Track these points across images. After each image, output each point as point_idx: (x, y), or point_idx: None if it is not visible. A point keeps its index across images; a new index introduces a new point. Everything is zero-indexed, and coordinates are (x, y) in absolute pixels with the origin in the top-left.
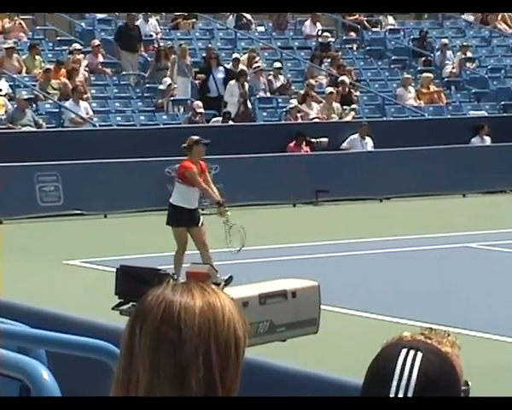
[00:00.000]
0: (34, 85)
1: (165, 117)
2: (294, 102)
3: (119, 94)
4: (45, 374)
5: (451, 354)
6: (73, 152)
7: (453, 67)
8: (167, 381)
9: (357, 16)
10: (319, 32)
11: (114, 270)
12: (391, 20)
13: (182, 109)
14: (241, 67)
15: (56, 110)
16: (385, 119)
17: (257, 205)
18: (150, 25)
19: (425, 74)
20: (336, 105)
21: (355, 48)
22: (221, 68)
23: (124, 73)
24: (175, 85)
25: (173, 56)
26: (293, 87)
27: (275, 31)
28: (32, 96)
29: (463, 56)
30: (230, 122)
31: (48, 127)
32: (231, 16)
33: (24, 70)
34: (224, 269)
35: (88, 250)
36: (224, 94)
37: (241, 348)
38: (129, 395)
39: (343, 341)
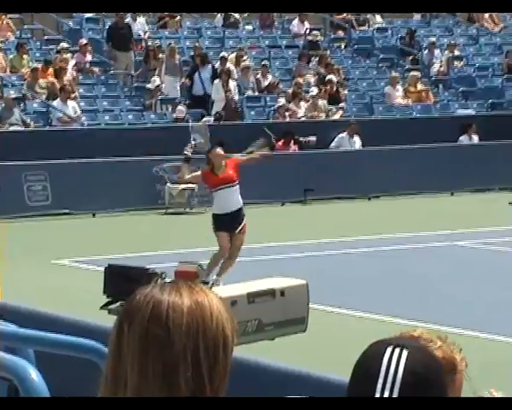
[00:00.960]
0: (22, 85)
1: (153, 116)
2: (282, 100)
3: (107, 93)
4: (34, 374)
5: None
6: (61, 151)
7: (441, 66)
8: (156, 380)
9: (345, 15)
10: (307, 31)
11: (103, 269)
12: (379, 18)
13: (170, 109)
14: (229, 65)
15: (44, 109)
16: (373, 117)
17: (245, 204)
18: (138, 24)
19: (412, 73)
20: (324, 103)
21: (343, 46)
22: (209, 67)
23: (112, 72)
24: (163, 85)
25: (161, 56)
26: (281, 86)
27: (262, 29)
28: (20, 96)
29: (451, 55)
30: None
31: (36, 126)
32: (219, 15)
33: (8, 69)
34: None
35: (76, 250)
36: (209, 93)
37: (229, 347)
38: (117, 394)
39: (332, 339)
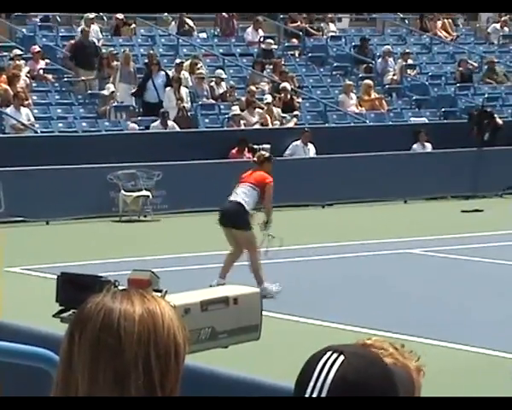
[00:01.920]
0: None
1: (107, 123)
2: (237, 109)
3: (60, 100)
4: None
5: (397, 364)
6: (15, 158)
7: (394, 74)
8: (106, 389)
9: (299, 23)
10: (261, 39)
11: (55, 277)
12: (332, 27)
13: (124, 116)
14: (183, 73)
15: None
16: (327, 125)
17: (199, 211)
18: (92, 31)
19: (366, 81)
20: (278, 111)
21: (297, 54)
22: (162, 74)
23: (65, 79)
24: (117, 92)
25: (116, 63)
26: (235, 94)
27: (217, 37)
28: None
29: (404, 63)
30: (169, 123)
31: None
32: (173, 22)
33: None
34: (167, 275)
35: (29, 257)
36: (162, 100)
37: (180, 355)
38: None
39: (285, 347)
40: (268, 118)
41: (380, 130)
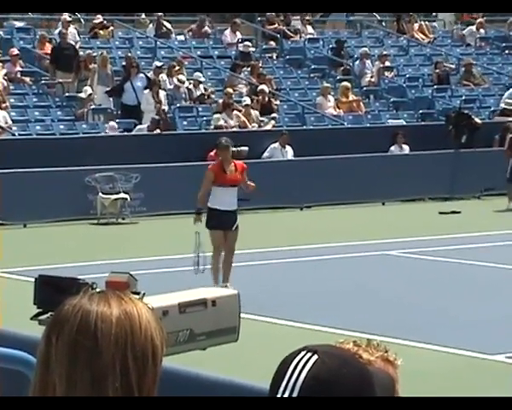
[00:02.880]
0: None
1: (85, 126)
2: (219, 118)
3: (38, 103)
4: None
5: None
6: None
7: (372, 76)
8: (84, 390)
9: (276, 25)
10: (239, 41)
11: (33, 279)
12: (310, 29)
13: (102, 118)
14: (161, 75)
15: None
16: (305, 127)
17: (177, 214)
18: (70, 33)
19: (343, 83)
20: (255, 114)
21: (275, 57)
22: (141, 76)
23: (43, 81)
24: (95, 95)
25: (93, 65)
26: (213, 96)
27: (194, 39)
28: None
29: (382, 65)
30: (158, 130)
31: None
32: (151, 25)
33: None
34: (145, 278)
35: (7, 260)
36: (140, 102)
37: (158, 357)
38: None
39: (263, 349)
40: (246, 120)
41: (357, 132)
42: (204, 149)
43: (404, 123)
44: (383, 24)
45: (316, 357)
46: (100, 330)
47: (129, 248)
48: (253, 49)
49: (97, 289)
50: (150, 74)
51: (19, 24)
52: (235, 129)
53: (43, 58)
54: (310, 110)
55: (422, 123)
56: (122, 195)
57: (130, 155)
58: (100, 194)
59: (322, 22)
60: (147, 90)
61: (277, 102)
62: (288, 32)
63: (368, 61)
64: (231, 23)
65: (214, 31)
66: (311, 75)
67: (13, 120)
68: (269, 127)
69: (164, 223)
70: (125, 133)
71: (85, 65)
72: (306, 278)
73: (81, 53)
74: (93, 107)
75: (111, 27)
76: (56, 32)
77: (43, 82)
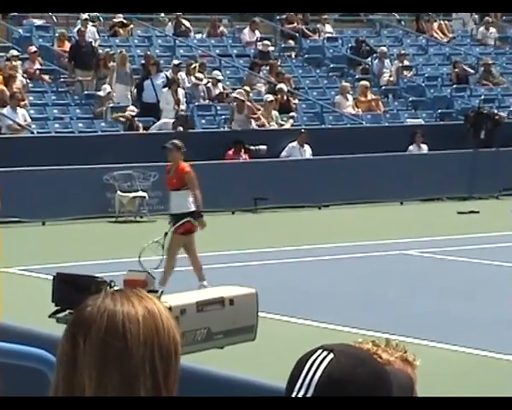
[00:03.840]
0: None
1: (103, 124)
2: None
3: (57, 101)
4: None
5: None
6: (11, 159)
7: (390, 76)
8: (114, 392)
9: (295, 24)
10: (258, 40)
11: (51, 277)
12: (328, 28)
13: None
14: (180, 74)
15: None
16: (323, 126)
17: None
18: (89, 32)
19: (362, 82)
20: (274, 112)
21: (293, 56)
22: (161, 75)
23: (62, 79)
24: (114, 93)
25: (112, 64)
26: (233, 94)
27: (213, 38)
28: None
29: (401, 65)
30: (180, 128)
31: None
32: (170, 23)
33: None
34: (171, 277)
35: (26, 258)
36: (159, 101)
37: (179, 353)
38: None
39: (280, 347)
40: (264, 120)
41: (376, 131)
42: (222, 147)
43: (423, 122)
44: (402, 23)
45: (331, 356)
46: (129, 331)
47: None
48: (272, 48)
49: (115, 288)
50: (169, 73)
51: (38, 22)
52: (253, 127)
53: (62, 56)
54: (328, 109)
55: (441, 122)
56: (140, 193)
57: (149, 153)
58: (118, 192)
59: (342, 21)
60: (166, 89)
61: (296, 101)
62: (307, 31)
63: (386, 61)
64: (250, 22)
65: (233, 29)
66: (330, 74)
67: (32, 118)
68: (287, 126)
69: None
70: (143, 131)
71: (104, 63)
72: (324, 277)
73: (100, 51)
74: (112, 105)
75: (130, 26)
76: (75, 30)
77: (61, 80)
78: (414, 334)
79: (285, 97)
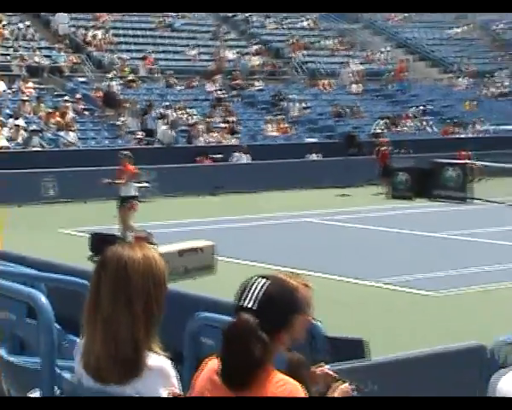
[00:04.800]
0: (39, 122)
1: (120, 142)
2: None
3: (93, 128)
4: (43, 299)
5: (298, 286)
6: (65, 164)
7: (295, 112)
8: (121, 305)
9: (238, 81)
10: (216, 90)
11: (89, 235)
12: (258, 83)
13: (132, 137)
14: (168, 111)
15: (55, 137)
16: (257, 143)
17: (179, 196)
18: (114, 85)
19: (279, 116)
20: (227, 135)
21: (238, 100)
22: (157, 112)
23: (96, 114)
24: (127, 122)
25: (127, 104)
26: (200, 126)
27: (188, 89)
28: (39, 129)
29: (303, 105)
30: (156, 145)
31: (50, 148)
32: (163, 80)
33: (32, 112)
34: (162, 235)
35: (72, 224)
36: (156, 127)
37: (166, 282)
38: (96, 312)
39: (232, 277)
40: (221, 138)
41: (288, 146)
42: (193, 156)
43: (317, 140)
44: (302, 81)
45: (268, 282)
46: (131, 268)
47: (150, 216)
48: (225, 96)
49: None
50: (162, 110)
51: (81, 79)
52: (214, 144)
53: (97, 100)
54: (259, 133)
55: (327, 140)
56: (144, 183)
57: (150, 159)
58: None
59: (267, 79)
60: (160, 120)
61: (239, 128)
62: (246, 85)
63: (292, 103)
64: (211, 80)
65: (201, 84)
66: (260, 111)
67: (78, 138)
68: (235, 142)
69: (172, 202)
70: (144, 146)
71: (122, 104)
72: (258, 236)
73: (120, 97)
74: (126, 130)
75: (138, 82)
76: (105, 84)
77: (96, 114)
78: (307, 267)
79: (233, 125)
